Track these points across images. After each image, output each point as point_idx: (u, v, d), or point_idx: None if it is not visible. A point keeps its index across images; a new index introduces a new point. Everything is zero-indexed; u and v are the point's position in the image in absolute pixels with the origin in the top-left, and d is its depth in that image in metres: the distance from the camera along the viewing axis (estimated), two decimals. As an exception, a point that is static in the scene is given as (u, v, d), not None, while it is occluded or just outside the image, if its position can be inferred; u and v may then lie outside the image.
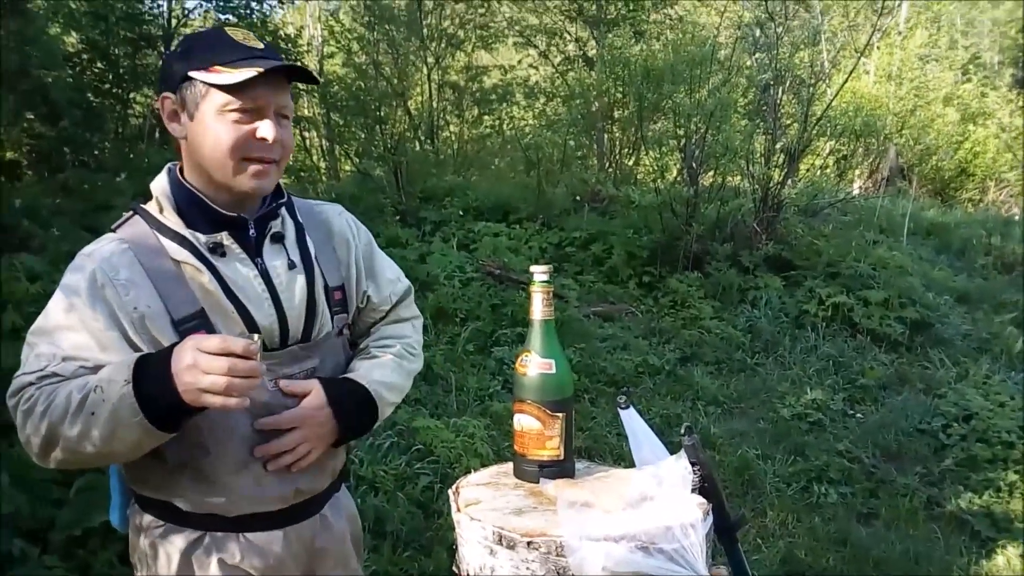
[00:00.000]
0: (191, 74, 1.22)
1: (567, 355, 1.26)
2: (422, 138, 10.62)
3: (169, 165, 1.33)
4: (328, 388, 1.33)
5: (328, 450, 1.38)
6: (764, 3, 8.01)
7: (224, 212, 1.28)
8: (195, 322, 1.23)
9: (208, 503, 1.28)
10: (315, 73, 1.31)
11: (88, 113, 7.57)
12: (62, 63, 7.47)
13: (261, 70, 1.18)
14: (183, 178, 1.31)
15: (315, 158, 10.92)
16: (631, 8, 10.93)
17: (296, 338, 1.33)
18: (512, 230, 7.23)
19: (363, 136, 9.50)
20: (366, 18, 10.35)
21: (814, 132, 7.03)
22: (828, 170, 8.49)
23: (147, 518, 1.32)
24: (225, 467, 1.27)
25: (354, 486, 3.43)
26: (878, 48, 11.63)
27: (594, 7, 11.11)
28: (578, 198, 7.96)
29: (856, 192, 10.19)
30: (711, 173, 7.05)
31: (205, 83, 1.21)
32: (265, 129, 1.23)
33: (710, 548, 1.10)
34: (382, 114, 9.08)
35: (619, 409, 1.27)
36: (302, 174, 10.73)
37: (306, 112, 10.46)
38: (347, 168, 10.82)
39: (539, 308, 1.23)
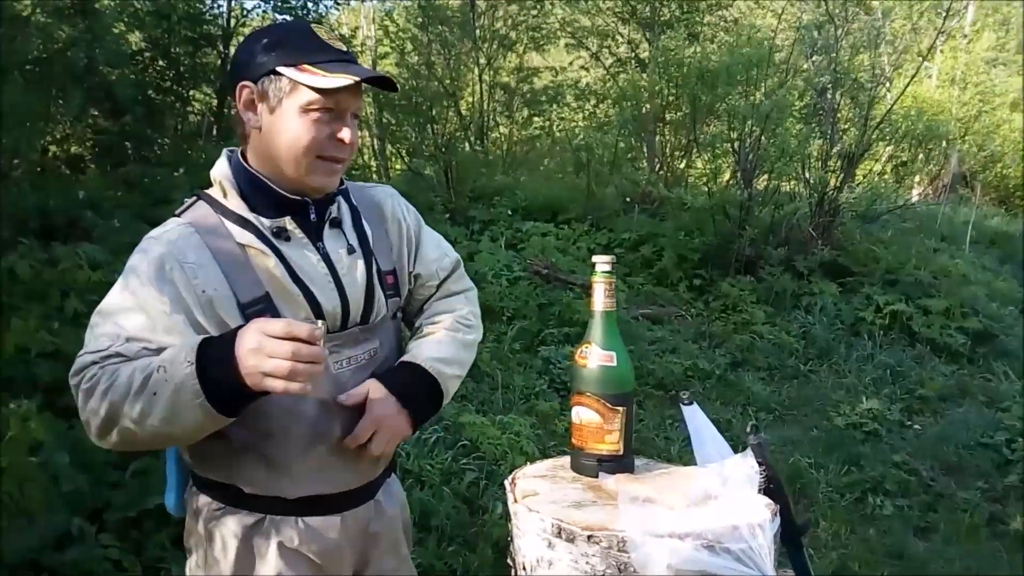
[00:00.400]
0: (280, 69, 1.22)
1: (628, 349, 1.22)
2: (472, 138, 10.67)
3: (227, 151, 1.34)
4: (385, 379, 1.33)
5: None
6: (823, 4, 7.84)
7: (289, 196, 1.28)
8: (261, 306, 1.23)
9: (271, 485, 1.28)
10: (393, 79, 1.32)
11: (149, 110, 7.77)
12: (126, 61, 7.68)
13: (356, 79, 1.19)
14: (248, 165, 1.31)
15: (367, 157, 11.05)
16: (685, 10, 10.82)
17: (356, 321, 1.34)
18: (560, 230, 7.20)
19: (415, 136, 9.57)
20: (420, 19, 10.44)
21: (873, 136, 6.85)
22: (887, 176, 8.27)
23: (205, 500, 1.33)
24: (289, 450, 1.27)
25: (401, 478, 3.45)
26: (942, 51, 11.28)
27: (648, 9, 11.02)
28: (628, 200, 7.90)
29: (916, 198, 9.91)
30: (765, 177, 6.91)
31: (294, 80, 1.21)
32: (346, 132, 1.25)
33: (775, 550, 1.06)
34: (434, 114, 9.14)
35: (682, 405, 1.23)
36: (354, 172, 10.89)
37: (361, 111, 10.60)
38: (398, 167, 10.91)
39: (600, 299, 1.20)
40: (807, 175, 6.93)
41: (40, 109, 5.49)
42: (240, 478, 1.28)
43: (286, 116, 1.23)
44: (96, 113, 7.50)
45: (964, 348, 5.47)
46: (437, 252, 1.54)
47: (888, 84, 8.33)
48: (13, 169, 4.97)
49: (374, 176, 11.04)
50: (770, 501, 1.08)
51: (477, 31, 10.78)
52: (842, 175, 6.77)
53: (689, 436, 1.24)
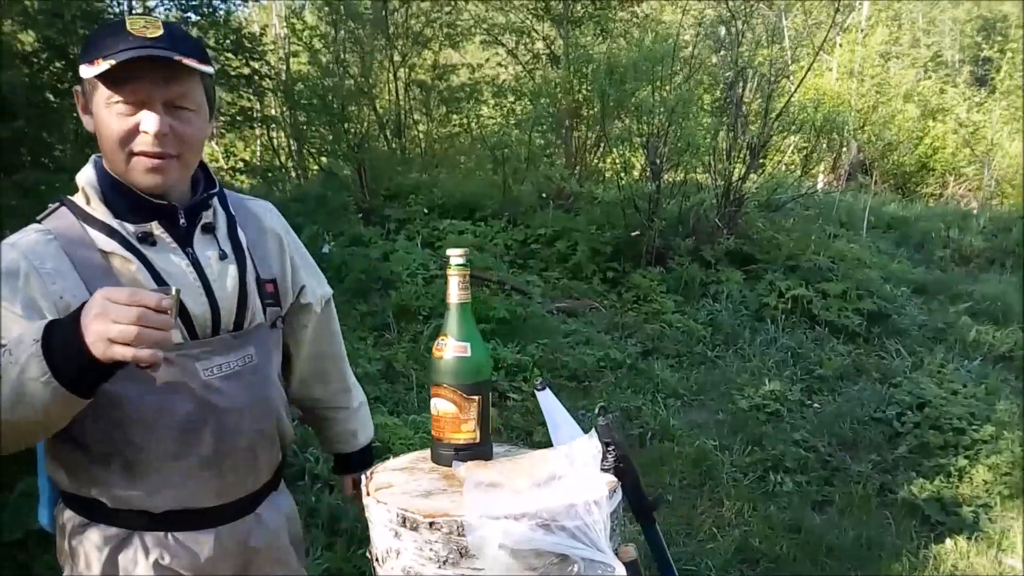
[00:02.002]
0: (81, 67, 1.18)
1: (485, 339, 1.26)
2: (389, 136, 10.58)
3: (95, 156, 1.30)
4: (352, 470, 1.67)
5: (264, 447, 1.38)
6: (726, 1, 8.09)
7: (152, 199, 1.25)
8: None
9: (134, 498, 1.25)
10: (203, 62, 1.27)
11: (46, 113, 7.44)
12: (16, 63, 7.33)
13: (113, 63, 1.14)
14: (108, 169, 1.27)
15: (283, 158, 10.84)
16: (598, 6, 10.98)
17: (228, 327, 1.32)
18: (478, 227, 7.23)
19: (328, 135, 9.44)
20: (331, 16, 10.29)
21: (775, 128, 7.11)
22: (791, 165, 8.60)
23: (70, 516, 1.29)
24: (152, 460, 1.24)
25: (309, 485, 3.41)
26: (840, 46, 11.79)
27: (561, 5, 11.14)
28: (544, 195, 7.98)
29: (820, 187, 10.33)
30: (674, 169, 7.10)
31: (86, 77, 1.18)
32: (147, 122, 1.19)
33: (618, 526, 1.11)
34: (347, 113, 9.03)
35: (536, 391, 1.27)
36: (269, 174, 10.66)
37: (272, 111, 10.38)
38: (315, 168, 10.75)
39: (455, 291, 1.23)
40: (714, 166, 7.15)
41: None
42: (103, 491, 1.25)
43: (98, 114, 1.21)
44: (-15, 117, 7.13)
45: (860, 328, 5.75)
46: (317, 278, 1.56)
47: (791, 77, 8.64)
48: None
49: (291, 177, 10.85)
50: (613, 478, 1.13)
51: (391, 28, 10.70)
52: (745, 167, 7.00)
53: (545, 421, 1.29)
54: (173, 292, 1.03)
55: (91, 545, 1.27)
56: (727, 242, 6.67)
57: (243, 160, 11.28)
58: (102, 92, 1.19)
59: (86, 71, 1.17)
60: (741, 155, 7.17)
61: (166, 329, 1.01)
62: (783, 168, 8.48)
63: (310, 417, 1.66)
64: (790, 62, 9.13)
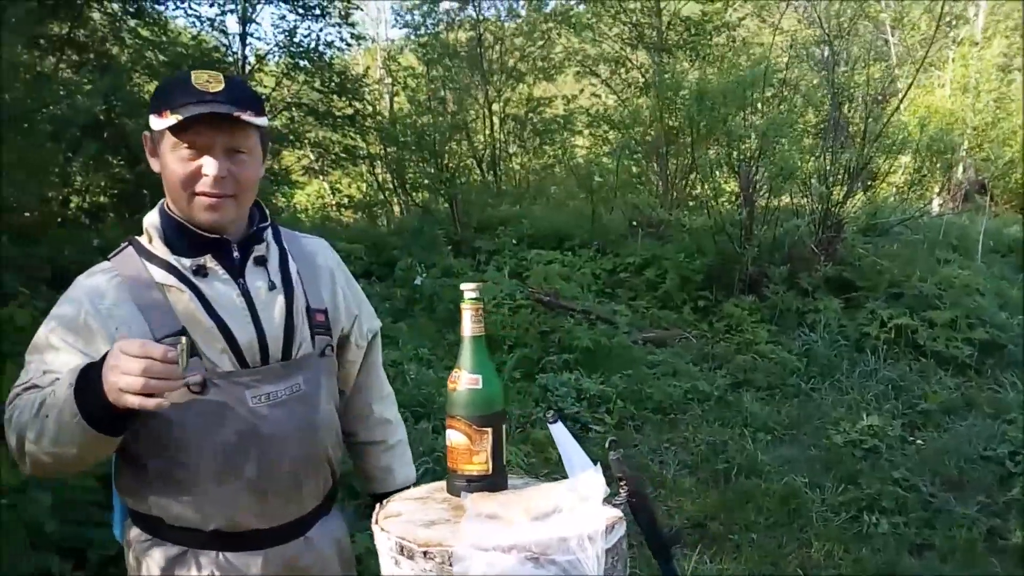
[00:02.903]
0: (150, 117, 1.32)
1: (498, 372, 1.27)
2: (484, 170, 10.81)
3: (161, 202, 1.42)
4: None
5: (310, 473, 1.43)
6: (821, 20, 7.86)
7: (206, 235, 1.35)
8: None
9: (185, 516, 1.33)
10: (253, 117, 1.37)
11: (166, 157, 8.01)
12: (141, 111, 7.96)
13: (180, 118, 1.26)
14: (169, 210, 1.39)
15: (385, 193, 11.25)
16: (693, 32, 10.90)
17: (277, 356, 1.38)
18: (566, 257, 7.25)
19: (426, 170, 9.75)
20: (427, 55, 10.67)
21: (876, 149, 6.81)
22: (899, 188, 8.19)
23: (135, 531, 1.38)
24: (201, 479, 1.32)
25: (359, 506, 3.48)
26: (953, 60, 11.18)
27: (655, 33, 11.12)
28: (634, 224, 7.93)
29: (936, 210, 9.76)
30: (767, 195, 6.91)
31: (155, 128, 1.31)
32: (208, 166, 1.30)
33: (619, 562, 1.09)
34: (443, 148, 9.30)
35: (548, 424, 1.27)
36: (373, 209, 11.09)
37: (374, 149, 10.82)
38: (413, 203, 11.11)
39: (468, 325, 1.25)
40: (810, 190, 6.91)
41: (52, 161, 5.72)
42: (162, 509, 1.33)
43: (164, 158, 1.32)
44: (114, 162, 7.77)
45: (970, 359, 5.38)
46: (367, 311, 1.63)
47: (899, 96, 8.27)
48: (18, 222, 5.17)
49: (394, 210, 11.24)
50: (615, 513, 1.11)
51: (485, 65, 10.98)
52: (845, 189, 6.73)
53: (560, 454, 1.28)
54: (182, 342, 1.14)
55: (153, 561, 1.35)
56: (825, 269, 6.41)
57: (348, 196, 11.80)
58: (168, 139, 1.30)
59: (156, 123, 1.29)
60: (841, 178, 6.90)
61: (171, 379, 1.11)
62: (892, 191, 8.09)
63: (350, 450, 1.68)
64: (896, 80, 8.73)
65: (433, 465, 3.90)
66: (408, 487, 1.62)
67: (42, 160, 5.34)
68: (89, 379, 1.14)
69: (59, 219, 7.07)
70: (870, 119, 6.93)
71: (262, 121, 1.34)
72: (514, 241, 7.58)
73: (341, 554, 1.53)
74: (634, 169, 9.33)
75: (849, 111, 7.75)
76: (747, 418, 4.79)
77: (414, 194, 10.37)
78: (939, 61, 10.93)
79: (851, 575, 3.34)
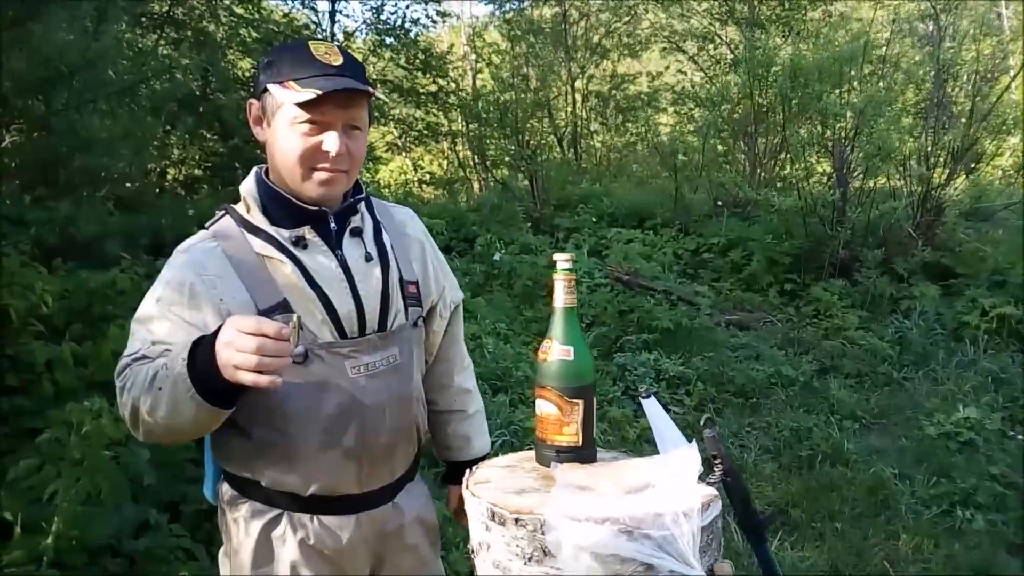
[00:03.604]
0: (269, 87, 1.32)
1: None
2: (564, 147, 10.73)
3: (256, 168, 1.44)
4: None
5: (402, 442, 1.46)
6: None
7: (306, 206, 1.37)
8: (279, 312, 1.30)
9: (286, 482, 1.36)
10: (376, 91, 1.37)
11: (256, 132, 8.26)
12: (235, 87, 8.22)
13: (319, 92, 1.26)
14: (268, 179, 1.41)
15: (466, 170, 11.32)
16: (787, 7, 10.49)
17: (373, 327, 1.40)
18: (647, 236, 7.15)
19: (507, 147, 9.76)
20: (512, 32, 10.62)
21: (983, 129, 6.43)
22: (1005, 171, 7.73)
23: (231, 493, 1.43)
24: (304, 448, 1.35)
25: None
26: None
27: (746, 8, 10.75)
28: (719, 203, 7.74)
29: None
30: (862, 176, 6.61)
31: (280, 97, 1.30)
32: (330, 142, 1.31)
33: (715, 540, 1.07)
34: (524, 125, 9.28)
35: (641, 399, 1.25)
36: (454, 185, 11.18)
37: (457, 126, 10.88)
38: (494, 179, 11.16)
39: (560, 296, 1.24)
40: (909, 172, 6.58)
41: (153, 134, 5.96)
42: (260, 474, 1.37)
43: (279, 130, 1.32)
44: (208, 136, 8.06)
45: (1081, 353, 5.05)
46: (451, 282, 1.64)
47: (1009, 73, 7.78)
48: (125, 191, 5.43)
49: (475, 187, 11.31)
50: (710, 491, 1.09)
51: (569, 41, 10.86)
52: (947, 171, 6.38)
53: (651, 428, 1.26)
54: (294, 319, 1.14)
55: (246, 520, 1.40)
56: (922, 254, 6.11)
57: (429, 173, 11.93)
58: (288, 111, 1.30)
59: (280, 94, 1.29)
60: (943, 159, 6.55)
61: (284, 355, 1.12)
62: (998, 173, 7.65)
63: (429, 418, 1.68)
64: (1008, 56, 8.20)
65: (510, 438, 3.94)
66: (483, 457, 1.65)
67: (144, 133, 5.57)
68: (201, 353, 1.16)
69: (158, 189, 7.39)
70: (977, 98, 6.53)
71: (379, 94, 1.37)
72: (594, 219, 7.52)
73: (426, 519, 1.56)
74: (720, 148, 9.09)
75: (953, 89, 7.33)
76: (833, 405, 4.64)
77: (494, 171, 10.40)
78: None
79: (942, 571, 3.20)
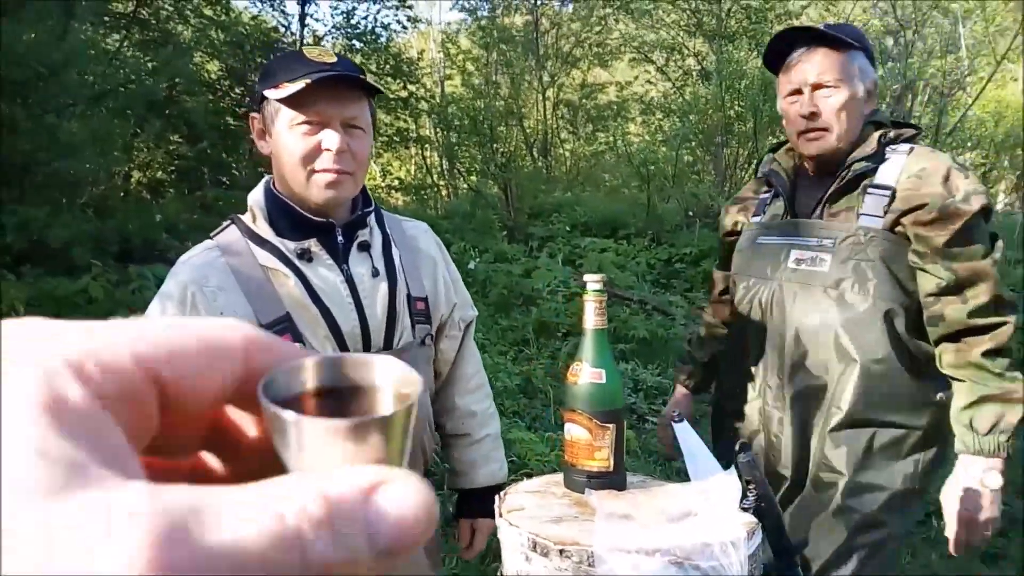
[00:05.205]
0: (266, 93, 1.28)
1: (623, 360, 1.24)
2: (536, 155, 10.76)
3: (266, 178, 1.39)
4: (472, 513, 1.58)
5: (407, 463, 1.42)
6: (895, 9, 7.62)
7: (312, 217, 1.32)
8: (282, 326, 1.28)
9: None
10: (376, 84, 1.34)
11: (226, 135, 8.13)
12: (202, 89, 8.07)
13: (309, 81, 1.22)
14: (275, 189, 1.36)
15: (435, 176, 11.28)
16: (753, 20, 10.68)
17: (379, 345, 1.37)
18: (620, 246, 7.18)
19: (478, 155, 9.75)
20: (484, 39, 10.63)
21: (948, 144, 6.59)
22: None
23: None
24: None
25: (448, 496, 3.49)
26: (1026, 53, 10.76)
27: (714, 20, 10.93)
28: (690, 213, 7.82)
29: (1000, 207, 9.44)
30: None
31: (273, 99, 1.27)
32: (328, 140, 1.27)
33: (757, 569, 1.05)
34: (496, 133, 9.28)
35: (673, 423, 1.23)
36: (422, 192, 11.13)
37: (427, 132, 10.84)
38: (464, 186, 11.13)
39: (591, 317, 1.21)
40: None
41: (120, 137, 5.83)
42: None
43: (280, 136, 1.29)
44: (175, 139, 7.90)
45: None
46: (464, 299, 1.59)
47: (967, 89, 8.01)
48: (91, 196, 5.29)
49: (441, 195, 11.27)
50: (751, 519, 1.07)
51: (541, 50, 10.90)
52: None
53: (682, 453, 1.25)
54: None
55: None
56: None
57: (398, 178, 11.86)
58: (285, 115, 1.27)
59: (274, 94, 1.26)
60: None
61: None
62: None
63: (440, 440, 1.66)
64: (967, 73, 8.44)
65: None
66: (495, 487, 1.58)
67: (111, 136, 5.45)
68: None
69: (123, 193, 7.21)
70: (941, 113, 6.70)
71: (380, 89, 1.32)
72: (567, 228, 7.53)
73: (428, 542, 1.53)
74: (687, 158, 9.19)
75: (914, 104, 7.52)
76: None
77: (465, 178, 10.38)
78: (1013, 53, 10.53)
79: (921, 581, 3.25)
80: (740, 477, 1.12)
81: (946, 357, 1.48)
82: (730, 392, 1.75)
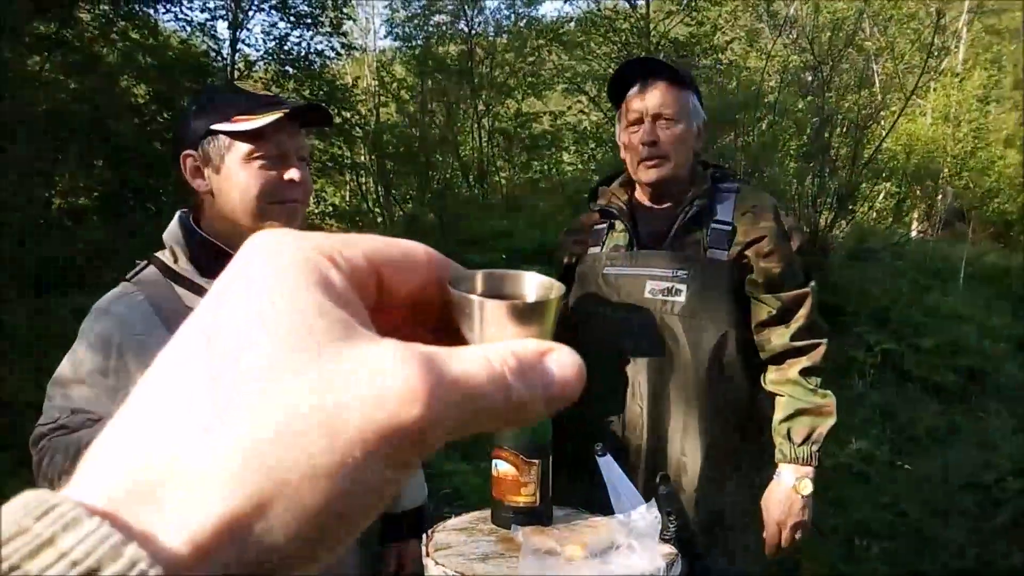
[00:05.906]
0: (215, 127, 1.25)
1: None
2: (471, 183, 10.82)
3: (180, 213, 1.35)
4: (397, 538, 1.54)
5: None
6: (812, 47, 7.99)
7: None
8: None
9: None
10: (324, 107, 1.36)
11: (153, 161, 7.92)
12: (128, 114, 7.87)
13: (286, 111, 1.23)
14: (196, 226, 1.32)
15: (370, 203, 11.20)
16: (680, 54, 11.01)
17: None
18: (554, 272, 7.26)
19: (413, 182, 9.74)
20: (418, 68, 10.68)
21: (864, 175, 6.91)
22: (883, 213, 8.32)
23: None
24: None
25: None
26: (935, 90, 11.42)
27: (642, 53, 11.22)
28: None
29: (914, 235, 9.93)
30: (756, 217, 6.96)
31: (228, 133, 1.25)
32: (294, 172, 1.27)
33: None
34: (431, 160, 9.30)
35: (596, 457, 1.27)
36: (356, 219, 11.03)
37: (362, 158, 10.78)
38: (400, 213, 11.08)
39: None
40: (798, 214, 6.99)
41: (42, 163, 5.64)
42: None
43: (232, 171, 1.26)
44: (99, 164, 7.67)
45: (956, 387, 5.45)
46: None
47: (882, 123, 8.43)
48: (12, 221, 5.09)
49: (376, 222, 11.19)
50: (671, 549, 1.11)
51: (475, 79, 11.01)
52: (833, 214, 6.81)
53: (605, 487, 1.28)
54: None
55: None
56: (812, 292, 6.47)
57: (332, 205, 11.74)
58: (240, 149, 1.25)
59: (233, 127, 1.24)
60: (828, 202, 6.99)
61: None
62: (873, 216, 8.22)
63: None
64: (881, 108, 8.89)
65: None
66: (416, 510, 1.56)
67: (32, 161, 5.27)
68: None
69: (42, 220, 6.96)
70: (857, 145, 7.03)
71: (330, 124, 1.38)
72: (503, 256, 7.58)
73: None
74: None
75: (833, 136, 7.87)
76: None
77: (400, 205, 10.35)
78: (921, 90, 11.15)
79: (844, 600, 3.36)
80: (660, 509, 1.16)
81: (770, 375, 1.66)
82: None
